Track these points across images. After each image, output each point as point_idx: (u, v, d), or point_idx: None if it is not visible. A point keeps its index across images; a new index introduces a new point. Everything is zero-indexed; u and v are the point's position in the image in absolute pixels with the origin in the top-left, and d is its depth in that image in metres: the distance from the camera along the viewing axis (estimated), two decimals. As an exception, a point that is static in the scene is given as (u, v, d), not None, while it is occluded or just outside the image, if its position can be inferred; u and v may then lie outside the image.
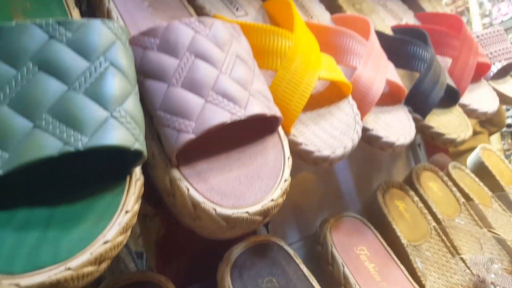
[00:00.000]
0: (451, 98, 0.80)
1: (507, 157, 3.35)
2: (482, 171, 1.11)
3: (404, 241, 0.74)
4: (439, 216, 0.84)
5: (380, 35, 0.74)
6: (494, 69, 1.01)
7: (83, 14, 0.68)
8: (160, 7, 0.58)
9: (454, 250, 0.78)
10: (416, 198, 0.84)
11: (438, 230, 0.80)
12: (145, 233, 0.65)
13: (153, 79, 0.41)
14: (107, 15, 0.53)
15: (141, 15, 0.55)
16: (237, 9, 0.67)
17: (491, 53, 1.02)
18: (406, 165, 1.05)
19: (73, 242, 0.31)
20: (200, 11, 0.63)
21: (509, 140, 3.40)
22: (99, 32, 0.36)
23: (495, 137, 3.31)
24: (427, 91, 0.71)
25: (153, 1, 0.58)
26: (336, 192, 0.89)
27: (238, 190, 0.41)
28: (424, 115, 0.72)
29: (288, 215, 0.79)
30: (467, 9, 3.59)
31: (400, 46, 0.75)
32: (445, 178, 0.95)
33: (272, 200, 0.42)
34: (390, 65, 0.70)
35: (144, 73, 0.42)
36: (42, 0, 0.49)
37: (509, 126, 3.33)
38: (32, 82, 0.32)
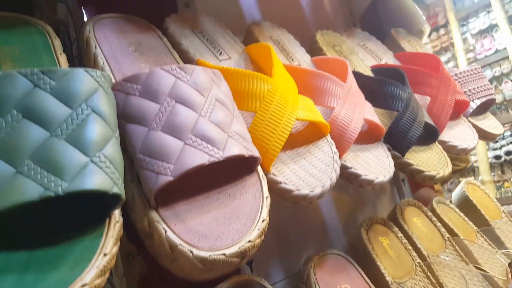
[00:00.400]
0: (430, 135, 0.83)
1: (498, 188, 3.37)
2: (467, 206, 1.12)
3: (388, 278, 0.74)
4: (424, 252, 0.84)
5: (358, 76, 0.77)
6: (473, 105, 1.04)
7: (73, 57, 0.71)
8: (145, 52, 0.61)
9: (439, 287, 0.78)
10: (400, 234, 0.85)
11: (423, 267, 0.81)
12: (128, 272, 0.66)
13: (134, 123, 0.43)
14: (94, 60, 0.55)
15: (126, 60, 0.57)
16: (220, 54, 0.70)
17: (469, 90, 1.05)
18: (390, 200, 1.06)
19: (51, 286, 0.32)
20: (184, 56, 0.65)
21: (499, 172, 3.43)
22: (82, 80, 0.38)
23: (485, 169, 3.35)
24: (405, 130, 0.73)
25: (139, 46, 0.61)
26: (322, 229, 0.90)
27: (216, 231, 0.42)
28: (402, 153, 0.74)
29: (272, 252, 0.79)
30: (452, 45, 3.70)
31: (377, 86, 0.77)
32: (429, 214, 0.96)
33: (250, 241, 0.43)
34: (368, 105, 0.72)
35: (126, 118, 0.44)
36: (31, 46, 0.52)
37: (498, 157, 3.38)
38: (16, 129, 0.34)
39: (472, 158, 3.51)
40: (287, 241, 0.83)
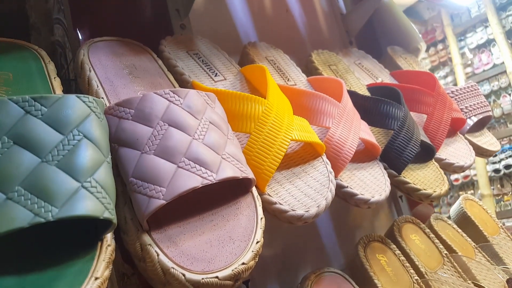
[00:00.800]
0: (427, 153, 0.83)
1: (497, 202, 3.36)
2: (465, 222, 1.12)
3: (386, 296, 0.74)
4: (422, 269, 0.84)
5: (354, 95, 0.78)
6: (470, 122, 1.05)
7: (70, 80, 0.71)
8: (140, 74, 0.61)
9: (437, 304, 0.78)
10: (398, 251, 0.85)
11: (421, 284, 0.80)
12: (123, 293, 0.65)
13: (127, 147, 0.43)
14: (88, 83, 0.56)
15: (121, 83, 0.58)
16: (215, 75, 0.70)
17: (466, 107, 1.06)
18: (388, 217, 1.06)
19: (42, 311, 0.32)
20: (179, 78, 0.66)
21: (498, 185, 3.42)
22: (74, 106, 0.38)
23: (484, 183, 3.34)
24: (401, 148, 0.73)
25: (133, 69, 0.61)
26: (319, 246, 0.89)
27: (209, 253, 0.42)
28: (399, 171, 0.74)
29: (269, 271, 0.79)
30: (450, 59, 3.73)
31: (373, 105, 0.78)
32: (427, 230, 0.96)
33: (243, 263, 0.42)
34: (364, 124, 0.72)
35: (119, 141, 0.44)
36: (25, 71, 0.52)
37: (497, 171, 3.37)
38: (7, 155, 0.34)
39: (472, 172, 3.51)
40: (284, 259, 0.83)
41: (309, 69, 0.91)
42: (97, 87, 0.55)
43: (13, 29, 0.86)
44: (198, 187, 0.42)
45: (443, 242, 0.96)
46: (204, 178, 0.43)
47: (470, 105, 1.07)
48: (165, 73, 0.64)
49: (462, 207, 1.15)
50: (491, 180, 3.41)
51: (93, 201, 0.35)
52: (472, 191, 3.61)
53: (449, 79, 3.73)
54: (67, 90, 0.69)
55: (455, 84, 3.64)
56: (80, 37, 0.74)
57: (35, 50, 0.56)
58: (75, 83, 0.70)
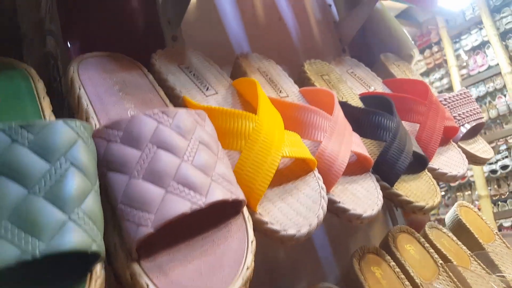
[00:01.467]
0: (419, 163, 0.83)
1: (494, 202, 3.37)
2: (460, 229, 1.12)
3: (380, 309, 0.73)
4: (417, 280, 0.84)
5: (346, 106, 0.77)
6: (463, 130, 1.05)
7: (62, 93, 0.71)
8: (130, 91, 0.61)
9: (432, 316, 0.78)
10: (392, 263, 0.84)
11: (416, 295, 0.80)
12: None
13: (115, 172, 0.43)
14: (78, 101, 0.55)
15: (111, 100, 0.57)
16: (207, 89, 0.70)
17: (459, 115, 1.06)
18: (383, 226, 1.06)
19: None
20: (171, 92, 0.65)
21: (495, 186, 3.44)
22: (61, 133, 0.38)
23: (481, 184, 3.35)
24: (393, 160, 0.73)
25: (124, 86, 0.61)
26: (314, 259, 0.89)
27: (199, 282, 0.41)
28: (391, 184, 0.74)
29: (264, 286, 0.79)
30: (445, 61, 3.74)
31: (364, 117, 0.77)
32: (422, 240, 0.95)
33: (233, 291, 0.42)
34: (356, 136, 0.72)
35: (107, 165, 0.43)
36: (13, 91, 0.52)
37: (494, 172, 3.39)
38: (-8, 187, 0.33)
39: (469, 173, 3.53)
40: (279, 274, 0.82)
41: (302, 79, 0.91)
42: (87, 106, 0.54)
43: (4, 41, 0.85)
44: (187, 213, 0.42)
45: (438, 251, 0.95)
46: (193, 203, 0.42)
47: (463, 113, 1.07)
48: (156, 89, 0.64)
49: (457, 214, 1.15)
50: (488, 181, 3.43)
51: (80, 234, 0.35)
52: (469, 192, 3.63)
53: (445, 81, 3.75)
54: (59, 103, 0.69)
55: (451, 86, 3.66)
56: (71, 49, 0.73)
57: (24, 68, 0.55)
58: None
